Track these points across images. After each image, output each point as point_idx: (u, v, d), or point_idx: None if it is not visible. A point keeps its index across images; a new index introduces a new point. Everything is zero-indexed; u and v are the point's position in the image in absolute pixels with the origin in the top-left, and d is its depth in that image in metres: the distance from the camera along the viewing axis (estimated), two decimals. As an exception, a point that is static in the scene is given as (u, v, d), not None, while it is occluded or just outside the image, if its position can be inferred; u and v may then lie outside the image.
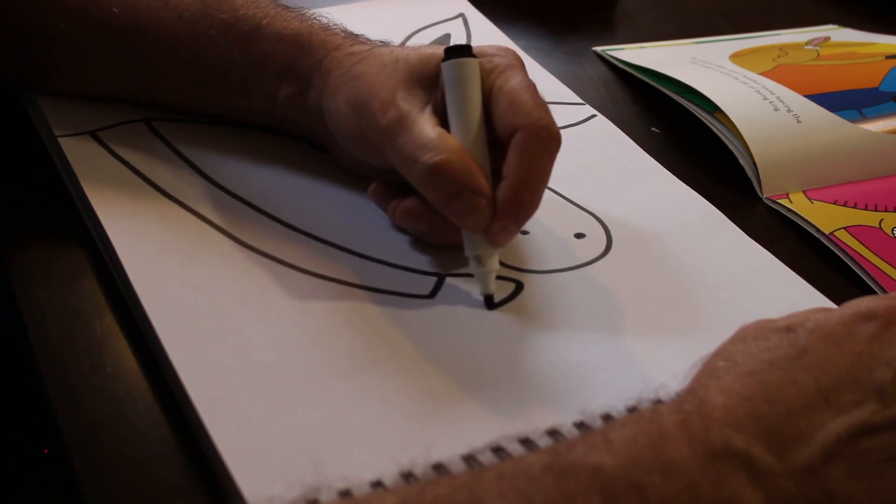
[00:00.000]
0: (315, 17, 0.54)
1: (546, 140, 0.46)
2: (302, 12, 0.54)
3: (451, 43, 0.70)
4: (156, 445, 0.41)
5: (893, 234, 0.58)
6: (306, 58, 0.51)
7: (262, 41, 0.52)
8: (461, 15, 0.74)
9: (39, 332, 0.45)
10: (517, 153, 0.46)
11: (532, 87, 0.48)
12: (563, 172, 0.58)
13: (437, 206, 0.46)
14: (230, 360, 0.43)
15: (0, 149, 0.55)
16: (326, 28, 0.53)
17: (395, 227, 0.52)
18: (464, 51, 0.48)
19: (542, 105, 0.47)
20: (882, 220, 0.59)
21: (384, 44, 0.52)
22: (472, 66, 0.47)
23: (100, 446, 0.40)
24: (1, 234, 0.50)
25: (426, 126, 0.46)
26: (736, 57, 0.73)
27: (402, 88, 0.47)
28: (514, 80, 0.47)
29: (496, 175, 0.47)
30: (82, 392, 0.43)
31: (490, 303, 0.48)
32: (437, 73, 0.48)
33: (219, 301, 0.46)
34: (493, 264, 0.47)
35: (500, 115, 0.47)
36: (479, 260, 0.47)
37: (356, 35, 0.53)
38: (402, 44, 0.68)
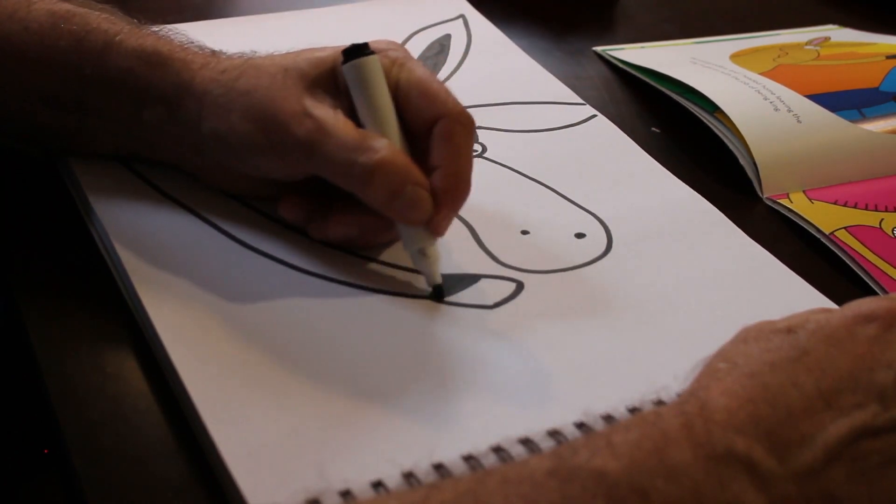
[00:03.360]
0: (172, 35, 0.51)
1: (467, 126, 0.47)
2: (157, 29, 0.51)
3: (451, 43, 0.70)
4: (156, 445, 0.41)
5: (894, 234, 0.58)
6: (169, 77, 0.48)
7: (117, 57, 0.49)
8: (461, 16, 0.74)
9: (39, 332, 0.45)
10: (445, 142, 0.46)
11: (434, 75, 0.48)
12: (564, 172, 0.59)
13: (378, 205, 0.46)
14: (231, 360, 0.43)
15: (1, 150, 0.55)
16: (184, 47, 0.50)
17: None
18: (363, 49, 0.47)
19: (452, 92, 0.48)
20: (882, 220, 0.59)
21: (252, 55, 0.50)
22: (374, 63, 0.47)
23: (100, 446, 0.40)
24: (1, 235, 0.50)
25: (348, 129, 0.46)
26: (736, 57, 0.73)
27: (307, 96, 0.46)
28: (417, 71, 0.48)
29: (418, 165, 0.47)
30: (82, 391, 0.43)
31: (440, 293, 0.48)
32: (335, 75, 0.48)
33: (219, 301, 0.46)
34: (437, 253, 0.48)
35: (413, 106, 0.47)
36: (423, 252, 0.47)
37: (216, 51, 0.51)
38: (403, 44, 0.69)
